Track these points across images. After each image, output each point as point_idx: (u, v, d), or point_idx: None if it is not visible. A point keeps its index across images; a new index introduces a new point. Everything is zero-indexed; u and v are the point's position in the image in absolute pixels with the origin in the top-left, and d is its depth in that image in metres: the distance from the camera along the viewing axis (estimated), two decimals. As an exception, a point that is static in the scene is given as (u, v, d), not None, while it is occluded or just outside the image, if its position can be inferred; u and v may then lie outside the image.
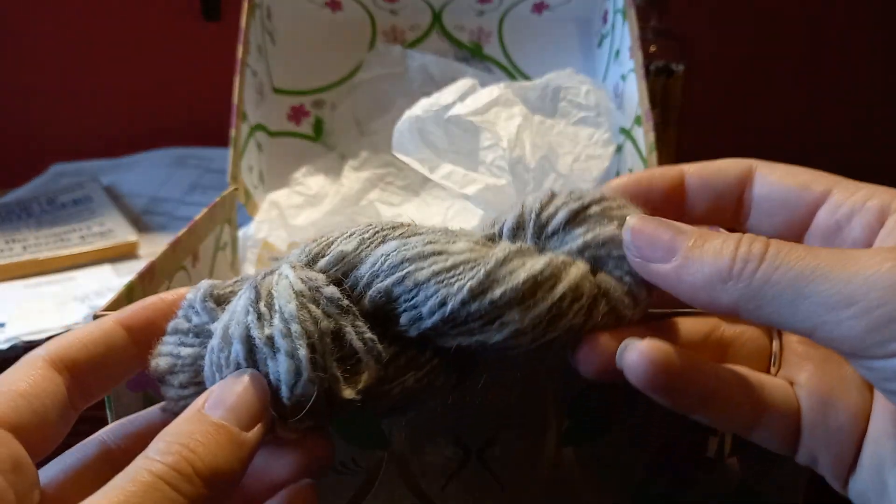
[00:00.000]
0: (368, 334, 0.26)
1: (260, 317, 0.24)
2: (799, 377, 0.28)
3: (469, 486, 0.37)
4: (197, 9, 1.06)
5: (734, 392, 0.27)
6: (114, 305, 0.35)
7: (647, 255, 0.26)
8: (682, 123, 0.87)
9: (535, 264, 0.26)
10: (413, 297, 0.26)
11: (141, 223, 0.85)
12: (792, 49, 1.10)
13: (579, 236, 0.28)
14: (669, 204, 0.30)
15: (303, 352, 0.24)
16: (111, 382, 0.28)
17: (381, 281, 0.26)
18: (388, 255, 0.26)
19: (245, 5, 0.66)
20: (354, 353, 0.25)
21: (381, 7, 0.74)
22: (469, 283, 0.25)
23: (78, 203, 0.87)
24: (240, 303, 0.25)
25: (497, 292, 0.25)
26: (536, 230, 0.28)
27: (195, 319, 0.27)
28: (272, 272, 0.26)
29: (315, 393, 0.24)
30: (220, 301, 0.27)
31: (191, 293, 0.28)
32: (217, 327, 0.25)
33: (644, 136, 0.60)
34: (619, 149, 0.64)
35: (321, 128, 0.76)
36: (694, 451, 0.37)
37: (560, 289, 0.26)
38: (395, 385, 0.26)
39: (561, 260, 0.27)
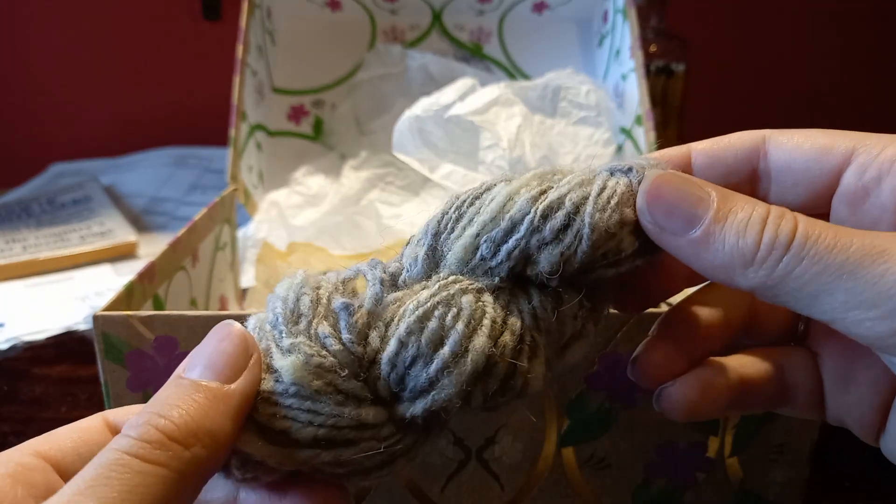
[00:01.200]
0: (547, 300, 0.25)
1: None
2: (822, 349, 0.28)
3: (469, 486, 0.37)
4: (197, 9, 1.06)
5: (759, 392, 0.28)
6: (113, 305, 0.35)
7: (663, 224, 0.24)
8: (682, 123, 0.87)
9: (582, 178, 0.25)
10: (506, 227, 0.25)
11: (141, 223, 0.85)
12: (792, 49, 1.10)
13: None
14: None
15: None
16: None
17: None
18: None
19: (245, 5, 0.66)
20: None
21: (381, 7, 0.74)
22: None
23: (78, 203, 0.87)
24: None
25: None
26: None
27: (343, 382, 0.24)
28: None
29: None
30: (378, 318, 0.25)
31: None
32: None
33: (644, 135, 0.60)
34: (620, 148, 0.64)
35: (321, 127, 0.76)
36: (694, 451, 0.37)
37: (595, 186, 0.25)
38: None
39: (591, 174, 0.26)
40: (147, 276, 0.40)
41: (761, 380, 0.28)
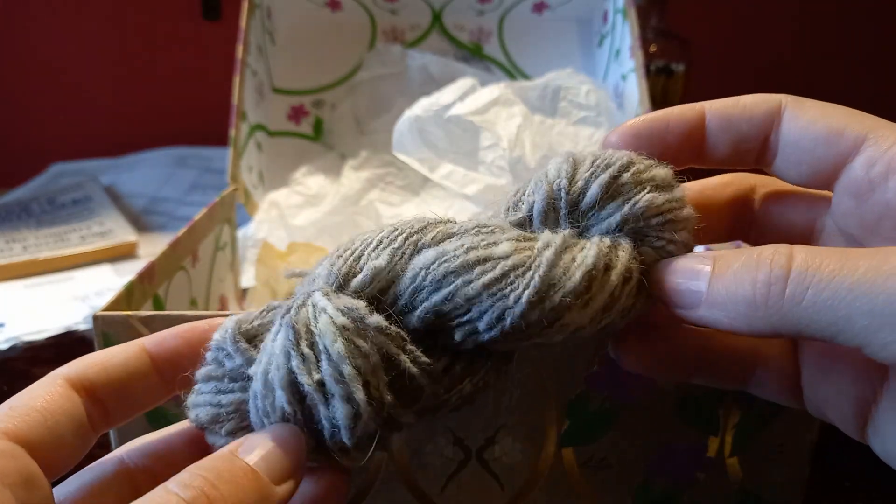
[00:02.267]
0: (423, 358, 0.24)
1: (305, 360, 0.22)
2: (801, 341, 0.27)
3: (469, 486, 0.37)
4: (197, 9, 1.06)
5: (727, 363, 0.28)
6: (113, 305, 0.35)
7: (676, 304, 0.24)
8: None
9: (587, 258, 0.24)
10: (466, 314, 0.24)
11: (141, 223, 0.85)
12: (792, 49, 1.10)
13: (616, 211, 0.26)
14: (687, 147, 0.27)
15: (360, 395, 0.22)
16: (132, 409, 0.26)
17: (427, 299, 0.24)
18: (429, 268, 0.24)
19: (245, 5, 0.66)
20: (410, 378, 0.24)
21: (381, 7, 0.74)
22: (526, 294, 0.23)
23: (78, 203, 0.87)
24: (277, 344, 0.23)
25: (556, 297, 0.23)
26: (570, 209, 0.26)
27: (228, 363, 0.25)
28: (304, 303, 0.24)
29: (377, 425, 0.23)
30: (251, 338, 0.25)
31: (218, 334, 0.26)
32: (256, 372, 0.23)
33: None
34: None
35: (321, 127, 0.76)
36: (694, 451, 0.37)
37: (614, 278, 0.24)
38: (453, 394, 0.25)
39: (607, 245, 0.25)
40: (147, 276, 0.40)
41: (727, 352, 0.28)
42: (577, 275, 0.24)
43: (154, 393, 0.26)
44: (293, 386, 0.22)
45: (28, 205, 0.86)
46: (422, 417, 0.24)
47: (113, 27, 1.06)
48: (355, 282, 0.25)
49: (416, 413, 0.24)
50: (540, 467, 0.36)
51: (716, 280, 0.23)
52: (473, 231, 0.25)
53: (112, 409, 0.25)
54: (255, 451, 0.22)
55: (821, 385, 0.26)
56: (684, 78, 0.86)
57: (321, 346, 0.23)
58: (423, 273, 0.24)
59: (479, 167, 0.59)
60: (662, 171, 0.26)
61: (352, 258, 0.25)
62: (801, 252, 0.22)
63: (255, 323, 0.26)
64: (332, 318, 0.23)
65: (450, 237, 0.25)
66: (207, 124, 0.90)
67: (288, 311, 0.24)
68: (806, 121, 0.25)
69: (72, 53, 1.07)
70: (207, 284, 0.53)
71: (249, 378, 0.24)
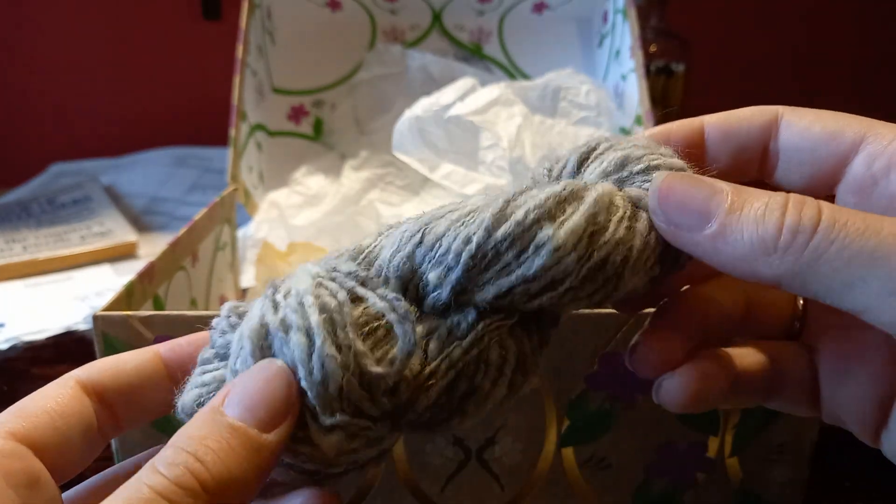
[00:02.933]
0: (391, 294, 0.23)
1: (275, 306, 0.22)
2: (819, 344, 0.28)
3: (469, 486, 0.37)
4: (197, 8, 1.06)
5: (752, 383, 0.27)
6: (113, 305, 0.35)
7: (677, 221, 0.23)
8: (683, 123, 0.87)
9: (554, 187, 0.23)
10: (436, 251, 0.23)
11: (141, 223, 0.85)
12: (792, 48, 1.10)
13: (596, 168, 0.26)
14: (688, 160, 0.27)
15: (315, 318, 0.21)
16: (142, 415, 0.26)
17: (402, 251, 0.24)
18: (406, 229, 0.24)
19: (245, 5, 0.66)
20: (380, 319, 0.22)
21: (381, 7, 0.74)
22: (490, 212, 0.23)
23: (78, 203, 0.87)
24: (257, 301, 0.23)
25: (520, 213, 0.22)
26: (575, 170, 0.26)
27: (219, 341, 0.24)
28: (292, 275, 0.24)
29: (342, 375, 0.21)
30: (244, 315, 0.24)
31: (215, 319, 0.25)
32: (235, 335, 0.23)
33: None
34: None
35: (321, 127, 0.76)
36: (694, 451, 0.37)
37: (589, 199, 0.23)
38: (443, 360, 0.23)
39: (582, 182, 0.24)
40: (147, 276, 0.40)
41: (755, 371, 0.27)
42: (541, 196, 0.23)
43: (166, 400, 0.25)
44: (261, 330, 0.22)
45: (28, 205, 0.86)
46: (416, 395, 0.22)
47: (113, 27, 1.06)
48: (342, 261, 0.25)
49: (391, 366, 0.22)
50: (540, 467, 0.36)
51: (731, 212, 0.22)
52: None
53: (122, 414, 0.25)
54: (237, 402, 0.21)
55: (839, 388, 0.27)
56: (684, 78, 0.86)
57: (292, 290, 0.22)
58: (400, 234, 0.24)
59: (479, 167, 0.59)
60: (672, 161, 0.26)
61: (341, 252, 0.26)
62: (827, 207, 0.21)
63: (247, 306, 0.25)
64: (308, 269, 0.23)
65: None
66: (207, 124, 0.90)
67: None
68: (804, 125, 0.26)
69: (72, 53, 1.07)
70: (207, 284, 0.53)
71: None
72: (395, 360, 0.22)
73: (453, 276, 0.23)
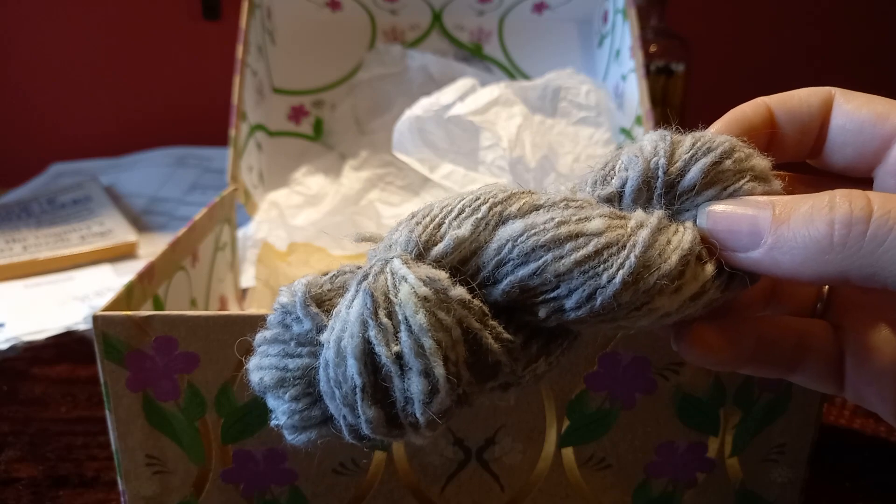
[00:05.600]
0: (505, 335, 0.23)
1: (383, 330, 0.22)
2: (846, 321, 0.28)
3: (469, 487, 0.37)
4: (197, 9, 1.06)
5: (777, 351, 0.27)
6: (113, 305, 0.35)
7: (732, 245, 0.24)
8: (682, 123, 0.87)
9: (683, 241, 0.23)
10: (554, 290, 0.23)
11: (140, 223, 0.85)
12: (792, 49, 1.10)
13: (713, 198, 0.25)
14: (762, 141, 0.27)
15: (440, 370, 0.21)
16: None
17: (513, 272, 0.23)
18: (517, 240, 0.23)
19: (245, 5, 0.66)
20: (489, 354, 0.23)
21: (381, 7, 0.74)
22: (621, 274, 0.22)
23: (78, 203, 0.87)
24: (353, 312, 0.22)
25: (651, 280, 0.22)
26: (665, 189, 0.25)
27: (296, 328, 0.24)
28: (382, 270, 0.23)
29: (450, 405, 0.22)
30: (320, 302, 0.24)
31: (285, 297, 0.25)
32: (328, 340, 0.22)
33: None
34: (619, 149, 0.64)
35: (321, 127, 0.76)
36: (694, 451, 0.37)
37: (709, 268, 0.23)
38: (527, 373, 0.24)
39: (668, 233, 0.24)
40: (147, 276, 0.40)
41: (780, 338, 0.27)
42: (672, 258, 0.23)
43: None
44: (368, 356, 0.22)
45: (28, 205, 0.86)
46: (491, 395, 0.24)
47: (113, 27, 1.06)
48: (436, 250, 0.24)
49: (489, 391, 0.23)
50: (540, 467, 0.36)
51: (779, 222, 0.22)
52: (562, 204, 0.24)
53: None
54: None
55: (864, 366, 0.26)
56: (684, 78, 0.86)
57: (401, 317, 0.22)
58: (509, 245, 0.23)
59: (479, 167, 0.59)
60: (763, 162, 0.25)
61: (431, 225, 0.24)
62: (876, 196, 0.21)
63: (325, 287, 0.25)
64: (413, 287, 0.22)
65: (536, 209, 0.24)
66: (207, 124, 0.90)
67: (365, 277, 0.23)
68: (853, 106, 0.26)
69: (72, 53, 1.07)
70: (207, 284, 0.53)
71: (318, 344, 0.23)
72: (492, 389, 0.23)
73: (564, 318, 0.23)
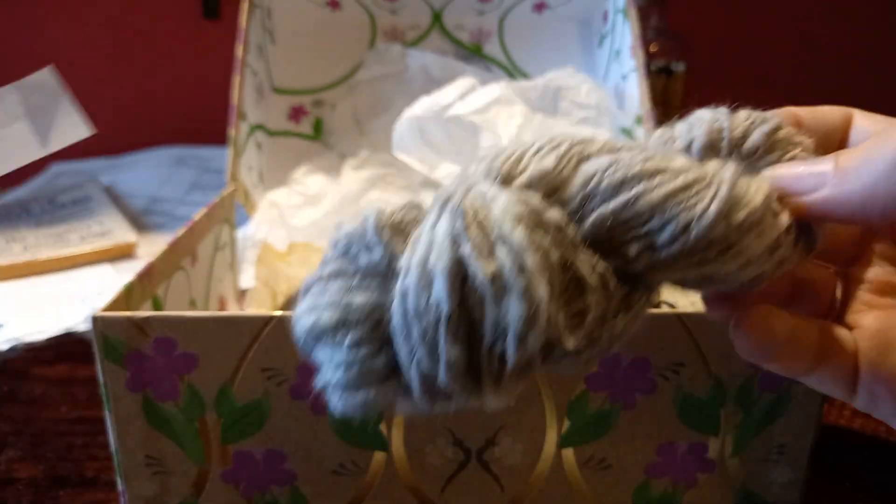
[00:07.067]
0: (601, 267, 0.21)
1: (478, 246, 0.19)
2: (862, 321, 0.28)
3: (469, 487, 0.37)
4: (197, 8, 1.06)
5: (803, 338, 0.27)
6: (113, 306, 0.35)
7: (798, 189, 0.24)
8: (683, 123, 0.87)
9: (762, 185, 0.23)
10: (646, 224, 0.21)
11: (140, 223, 0.85)
12: (792, 49, 1.10)
13: (773, 164, 0.25)
14: None
15: (542, 290, 0.19)
16: None
17: (604, 204, 0.22)
18: (605, 172, 0.22)
19: (245, 5, 0.66)
20: (580, 292, 0.21)
21: (381, 6, 0.74)
22: (716, 203, 0.21)
23: (77, 203, 0.87)
24: (440, 230, 0.20)
25: (741, 214, 0.22)
26: (731, 150, 0.25)
27: (364, 258, 0.22)
28: (469, 190, 0.21)
29: (537, 354, 0.19)
30: (398, 230, 0.22)
31: (348, 227, 0.22)
32: (410, 263, 0.20)
33: (645, 135, 0.60)
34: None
35: (321, 127, 0.76)
36: (694, 451, 0.37)
37: (783, 219, 0.23)
38: (604, 332, 0.22)
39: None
40: (146, 276, 0.40)
41: (807, 334, 0.27)
42: (758, 197, 0.22)
43: None
44: (458, 277, 0.19)
45: (28, 205, 0.86)
46: (564, 359, 0.21)
47: (113, 27, 1.06)
48: (518, 182, 0.22)
49: (577, 342, 0.21)
50: (540, 468, 0.36)
51: (843, 162, 0.23)
52: (641, 148, 0.23)
53: None
54: None
55: (882, 364, 0.27)
56: (684, 78, 0.86)
57: (497, 233, 0.19)
58: (598, 176, 0.22)
59: (479, 167, 0.59)
60: (809, 140, 0.26)
61: (513, 158, 0.23)
62: None
63: (401, 215, 0.23)
64: (509, 204, 0.20)
65: (619, 150, 0.23)
66: (207, 124, 0.90)
67: (449, 198, 0.21)
68: (869, 123, 0.27)
69: (71, 53, 1.07)
70: (206, 285, 0.53)
71: (391, 277, 0.21)
72: (583, 337, 0.21)
73: (655, 257, 0.22)
